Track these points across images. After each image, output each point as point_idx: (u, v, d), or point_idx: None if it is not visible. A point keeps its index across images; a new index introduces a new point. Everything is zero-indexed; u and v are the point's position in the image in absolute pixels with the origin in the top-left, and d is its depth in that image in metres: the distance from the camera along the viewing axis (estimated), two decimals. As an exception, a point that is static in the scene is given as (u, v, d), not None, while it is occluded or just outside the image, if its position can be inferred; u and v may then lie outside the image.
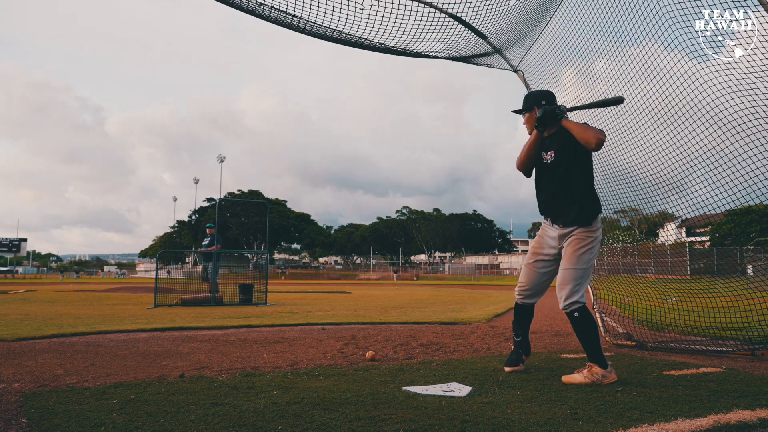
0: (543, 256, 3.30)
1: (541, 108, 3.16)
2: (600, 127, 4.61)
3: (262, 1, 4.04)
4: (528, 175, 3.37)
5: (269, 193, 79.04)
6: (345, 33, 4.46)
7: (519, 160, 3.32)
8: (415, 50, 5.06)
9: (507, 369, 3.35)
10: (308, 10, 4.07)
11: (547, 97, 3.31)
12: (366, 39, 4.62)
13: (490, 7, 4.51)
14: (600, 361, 3.00)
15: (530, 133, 3.33)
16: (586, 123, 3.14)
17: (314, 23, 4.29)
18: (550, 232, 3.27)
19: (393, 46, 4.86)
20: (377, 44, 4.79)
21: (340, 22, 4.22)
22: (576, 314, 3.07)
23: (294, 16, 4.18)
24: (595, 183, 3.33)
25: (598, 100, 3.34)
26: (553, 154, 3.21)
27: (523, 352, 3.44)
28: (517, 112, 3.41)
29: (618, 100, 3.27)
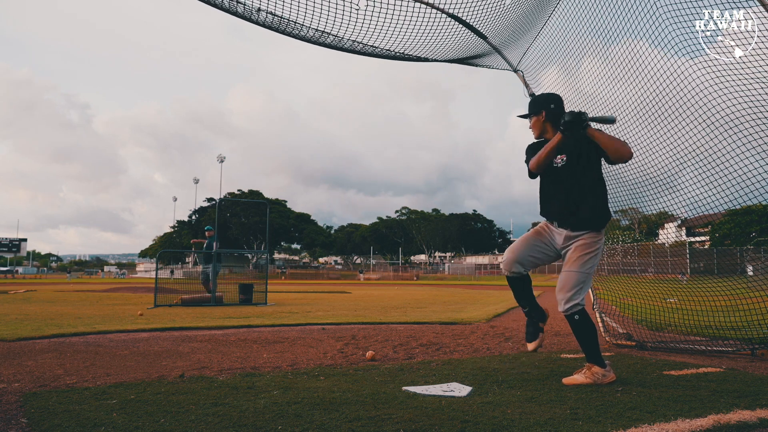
0: (544, 238, 3.24)
1: (567, 113, 2.92)
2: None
3: (260, 8, 4.04)
4: (536, 177, 3.28)
5: (263, 192, 79.28)
6: (343, 38, 4.46)
7: (536, 161, 3.12)
8: (414, 54, 5.06)
9: (529, 346, 3.32)
10: (304, 14, 4.07)
11: (556, 100, 3.26)
12: (366, 44, 4.62)
13: (489, 6, 4.51)
14: (599, 362, 3.01)
15: (537, 138, 3.31)
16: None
17: (311, 28, 4.29)
18: (556, 232, 3.21)
19: (392, 51, 4.86)
20: (377, 50, 4.79)
21: (336, 27, 4.22)
22: (576, 317, 3.06)
23: (291, 21, 4.19)
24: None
25: (597, 116, 3.20)
26: (564, 158, 3.12)
27: (538, 320, 3.36)
28: (524, 116, 3.34)
29: (610, 120, 3.07)
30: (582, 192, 3.09)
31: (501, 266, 3.39)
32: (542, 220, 3.37)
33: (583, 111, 2.93)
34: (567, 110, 3.00)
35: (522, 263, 3.25)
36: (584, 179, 3.09)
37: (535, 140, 3.36)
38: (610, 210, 3.19)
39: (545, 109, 3.23)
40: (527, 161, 3.25)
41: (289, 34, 4.56)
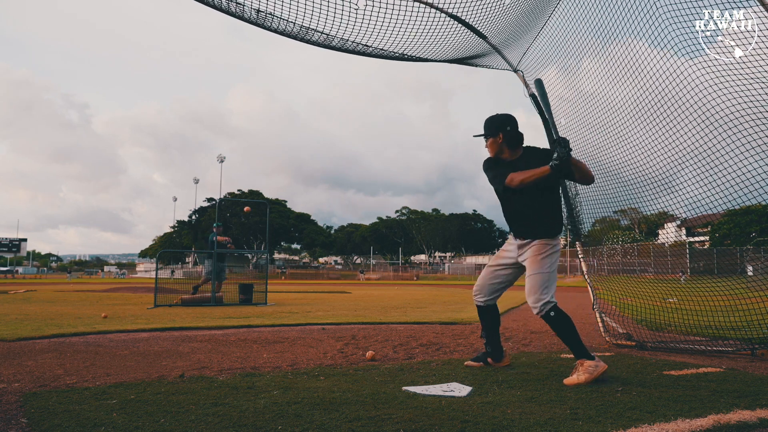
0: (501, 259, 3.47)
1: (559, 152, 2.97)
2: (588, 125, 4.74)
3: (259, 9, 4.04)
4: (502, 192, 3.37)
5: (263, 193, 79.40)
6: (342, 38, 4.46)
7: (519, 182, 3.16)
8: (413, 54, 5.06)
9: (467, 362, 3.61)
10: (303, 15, 4.07)
11: (512, 122, 3.32)
12: (365, 45, 4.62)
13: (489, 6, 4.51)
14: (586, 355, 3.03)
15: (492, 155, 3.37)
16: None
17: (310, 29, 4.28)
18: (512, 242, 3.42)
19: (391, 51, 4.86)
20: (377, 50, 4.79)
21: (335, 27, 4.22)
22: (552, 313, 3.12)
23: (291, 22, 4.18)
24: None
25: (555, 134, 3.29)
26: None
27: (489, 356, 3.56)
28: (480, 136, 3.41)
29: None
30: (537, 208, 3.25)
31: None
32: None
33: (566, 144, 3.02)
34: (555, 142, 3.05)
35: (483, 292, 3.53)
36: (542, 196, 3.24)
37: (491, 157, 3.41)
38: (561, 225, 3.33)
39: (502, 131, 3.31)
40: (495, 176, 3.30)
41: (289, 35, 4.56)
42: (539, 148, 3.39)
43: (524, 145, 3.36)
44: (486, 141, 3.39)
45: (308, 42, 4.68)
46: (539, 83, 3.43)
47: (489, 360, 3.55)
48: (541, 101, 3.42)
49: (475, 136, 3.44)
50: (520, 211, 3.31)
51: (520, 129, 3.34)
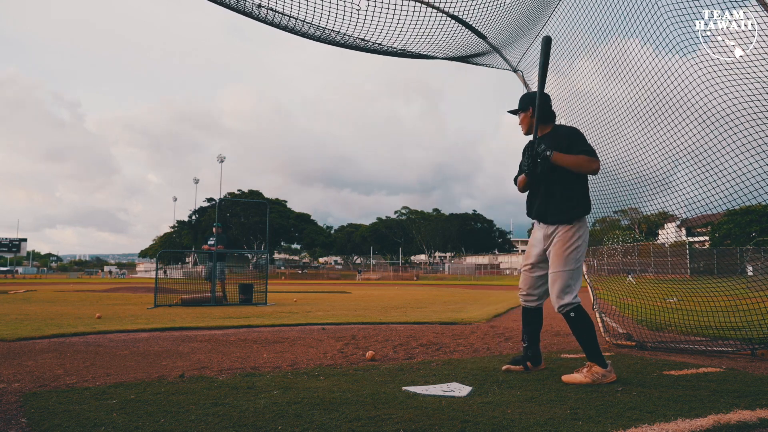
0: (533, 257, 3.33)
1: (529, 163, 3.14)
2: (584, 123, 4.68)
3: (260, 3, 4.04)
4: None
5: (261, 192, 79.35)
6: (344, 35, 4.46)
7: (519, 187, 3.43)
8: (414, 51, 5.06)
9: (504, 366, 3.39)
10: (305, 11, 4.08)
11: (543, 97, 3.30)
12: (365, 40, 4.62)
13: (488, 6, 4.51)
14: (599, 361, 3.01)
15: (525, 133, 3.42)
16: (580, 156, 3.12)
17: (311, 24, 4.29)
18: (538, 232, 3.32)
19: (392, 47, 4.86)
20: (376, 46, 4.79)
21: (337, 23, 4.23)
22: (572, 314, 3.08)
23: (292, 17, 4.19)
24: (589, 180, 3.35)
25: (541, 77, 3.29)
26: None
27: (529, 359, 3.38)
28: (513, 112, 3.46)
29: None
30: (554, 188, 3.19)
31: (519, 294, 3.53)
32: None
33: (536, 148, 3.12)
34: (525, 151, 3.29)
35: (531, 293, 3.37)
36: (556, 175, 3.17)
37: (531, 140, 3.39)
38: (588, 206, 3.24)
39: (533, 106, 3.31)
40: (520, 165, 3.35)
41: (291, 31, 4.56)
42: (565, 126, 3.38)
43: (555, 123, 3.37)
44: (519, 117, 3.43)
45: (310, 38, 4.68)
46: (546, 42, 3.16)
47: (528, 364, 3.36)
48: (541, 61, 3.20)
49: (509, 111, 3.48)
50: (540, 192, 3.27)
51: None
